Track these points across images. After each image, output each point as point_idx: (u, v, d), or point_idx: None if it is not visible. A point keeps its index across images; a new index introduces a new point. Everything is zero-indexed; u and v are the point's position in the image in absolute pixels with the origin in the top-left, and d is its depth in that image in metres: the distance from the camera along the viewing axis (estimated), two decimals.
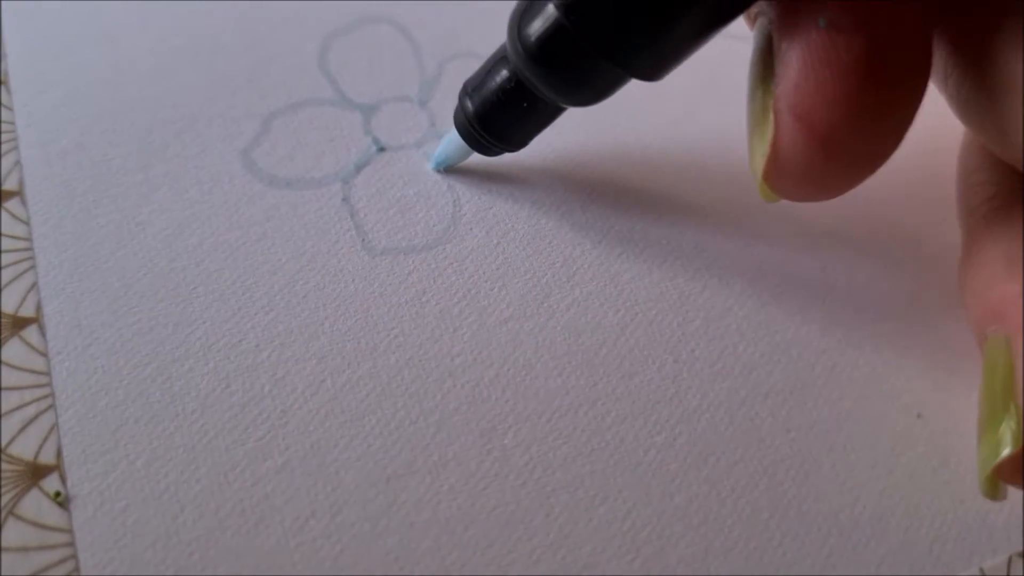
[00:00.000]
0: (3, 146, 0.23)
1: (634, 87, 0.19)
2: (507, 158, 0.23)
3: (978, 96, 0.17)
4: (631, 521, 0.20)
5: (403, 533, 0.19)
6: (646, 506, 0.20)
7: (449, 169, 0.24)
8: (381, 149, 0.24)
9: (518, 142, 0.22)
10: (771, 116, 0.17)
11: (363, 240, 0.23)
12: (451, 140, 0.23)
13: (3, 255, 0.22)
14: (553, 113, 0.21)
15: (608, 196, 0.24)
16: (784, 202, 0.19)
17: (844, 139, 0.16)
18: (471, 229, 0.23)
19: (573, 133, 0.25)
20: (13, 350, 0.21)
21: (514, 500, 0.20)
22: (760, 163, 0.18)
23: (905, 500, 0.21)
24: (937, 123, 0.20)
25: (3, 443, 0.19)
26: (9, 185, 0.23)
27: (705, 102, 0.26)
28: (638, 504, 0.20)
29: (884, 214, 0.25)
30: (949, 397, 0.22)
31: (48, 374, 0.20)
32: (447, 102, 0.25)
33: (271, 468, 0.20)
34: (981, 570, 0.20)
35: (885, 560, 0.20)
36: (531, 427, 0.21)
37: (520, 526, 0.20)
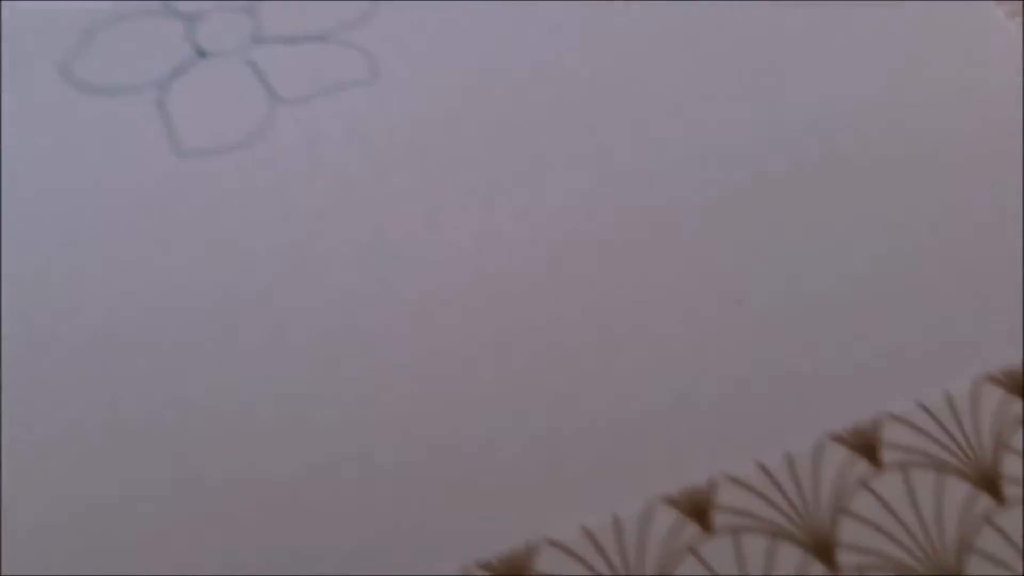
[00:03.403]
0: None
1: None
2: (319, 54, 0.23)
3: None
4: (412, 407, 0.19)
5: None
6: (434, 396, 0.19)
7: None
8: (202, 55, 0.24)
9: None
10: None
11: (173, 142, 0.22)
12: None
13: None
14: None
15: (419, 91, 0.23)
16: None
17: None
18: (284, 129, 0.23)
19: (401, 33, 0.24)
20: None
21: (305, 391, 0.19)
22: None
23: (713, 384, 0.19)
24: None
25: None
26: None
27: None
28: (422, 395, 0.19)
29: None
30: (771, 285, 0.21)
31: None
32: (274, 7, 0.24)
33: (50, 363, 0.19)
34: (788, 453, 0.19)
35: (676, 455, 0.19)
36: (328, 316, 0.20)
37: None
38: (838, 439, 0.19)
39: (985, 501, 0.18)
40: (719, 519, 0.18)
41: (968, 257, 0.21)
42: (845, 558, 0.17)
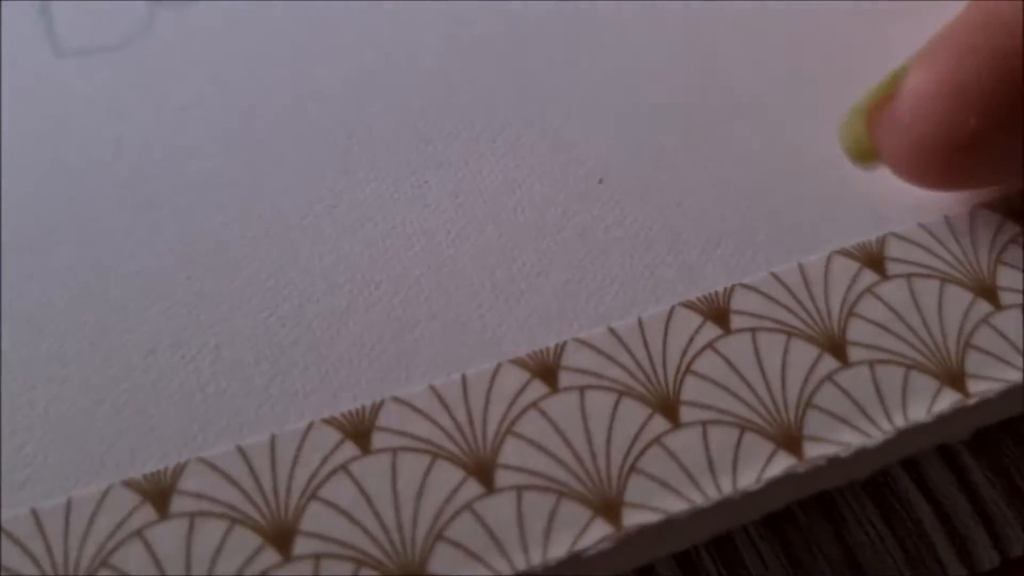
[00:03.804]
0: None
1: None
2: None
3: None
4: (274, 281, 0.19)
5: (42, 294, 0.19)
6: (292, 267, 0.20)
7: None
8: None
9: None
10: None
11: (53, 44, 0.23)
12: None
13: None
14: None
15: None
16: None
17: None
18: (164, 30, 0.23)
19: None
20: None
21: (158, 265, 0.20)
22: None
23: (568, 257, 0.20)
24: None
25: None
26: None
27: None
28: (284, 266, 0.20)
29: None
30: (632, 164, 0.21)
31: None
32: None
33: None
34: (640, 319, 0.19)
35: (534, 313, 0.19)
36: (189, 201, 0.21)
37: (160, 287, 0.19)
38: (689, 306, 0.19)
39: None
40: (565, 379, 0.18)
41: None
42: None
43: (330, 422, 0.17)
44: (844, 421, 0.17)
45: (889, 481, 0.19)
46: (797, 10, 0.24)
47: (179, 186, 0.21)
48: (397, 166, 0.21)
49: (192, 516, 0.16)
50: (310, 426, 0.17)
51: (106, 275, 0.19)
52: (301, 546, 0.16)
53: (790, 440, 0.17)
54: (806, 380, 0.18)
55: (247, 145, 0.21)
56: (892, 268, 0.20)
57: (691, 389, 0.18)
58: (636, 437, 0.17)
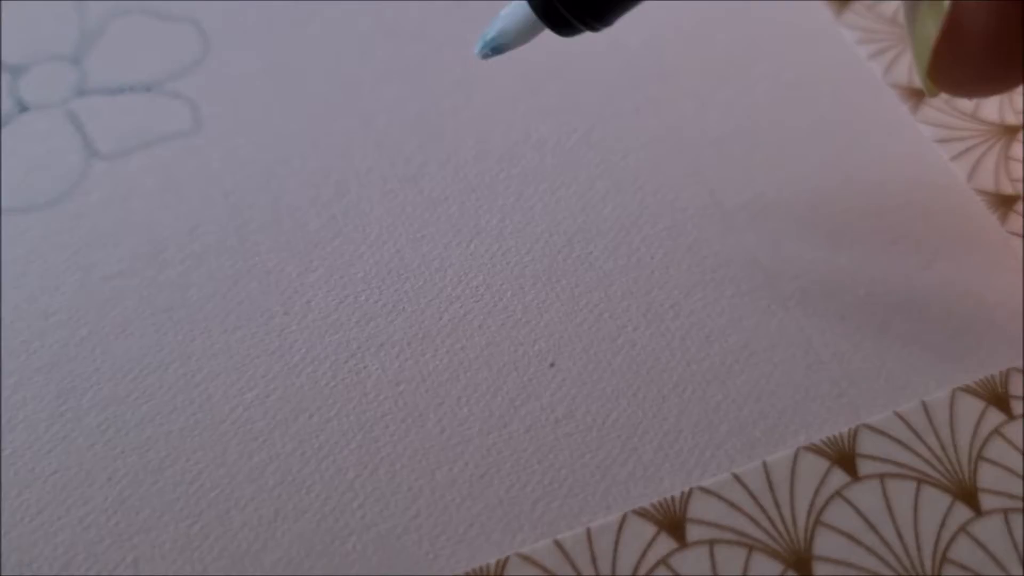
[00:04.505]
0: None
1: None
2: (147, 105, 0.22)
3: None
4: (199, 484, 0.18)
5: None
6: (219, 467, 0.18)
7: (497, 47, 0.18)
8: (24, 109, 0.23)
9: (604, 16, 0.17)
10: None
11: None
12: (515, 13, 0.18)
13: None
14: None
15: (242, 150, 0.22)
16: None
17: None
18: (98, 185, 0.22)
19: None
20: None
21: (77, 463, 0.18)
22: (926, 50, 0.16)
23: (515, 456, 0.18)
24: None
25: None
26: None
27: None
28: (210, 465, 0.18)
29: None
30: (587, 345, 0.20)
31: None
32: (104, 58, 0.24)
33: None
34: (588, 530, 0.18)
35: (475, 523, 0.18)
36: (114, 386, 0.19)
37: (77, 491, 0.18)
38: (641, 513, 0.18)
39: None
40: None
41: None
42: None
43: None
44: None
45: None
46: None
47: (103, 370, 0.19)
48: (336, 347, 0.20)
49: None
50: None
51: (20, 475, 0.18)
52: None
53: None
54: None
55: (177, 321, 0.20)
56: (864, 467, 0.18)
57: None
58: None
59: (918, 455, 0.18)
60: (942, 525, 0.17)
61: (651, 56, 0.24)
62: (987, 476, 0.18)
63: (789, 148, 0.22)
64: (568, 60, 0.23)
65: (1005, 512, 0.17)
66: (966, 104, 0.23)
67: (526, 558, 0.17)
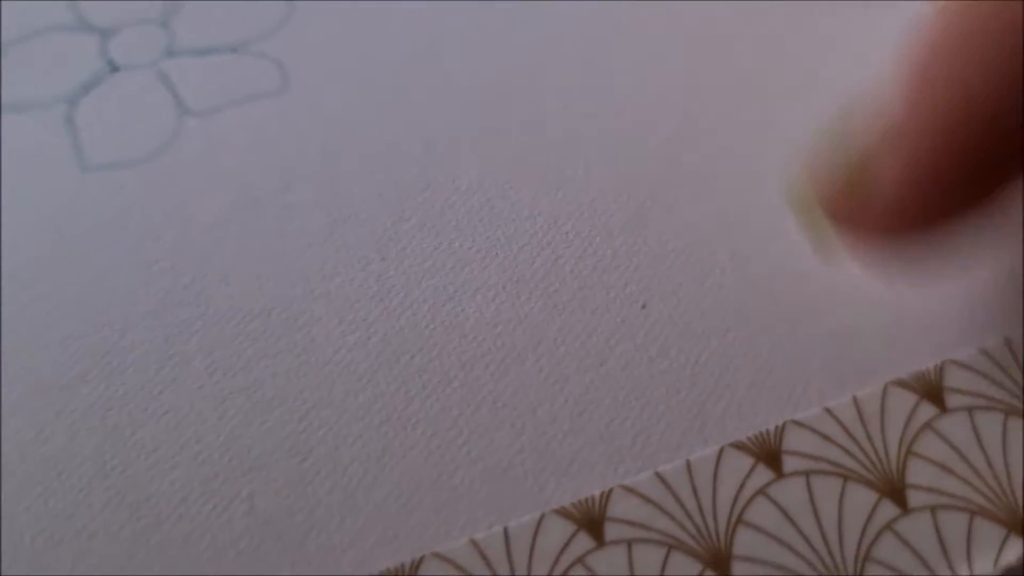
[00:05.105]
0: None
1: None
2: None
3: None
4: (308, 422, 0.19)
5: (69, 439, 0.18)
6: (326, 407, 0.19)
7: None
8: (114, 68, 0.24)
9: None
10: None
11: (79, 158, 0.22)
12: None
13: None
14: None
15: (330, 108, 0.23)
16: None
17: None
18: (191, 142, 0.22)
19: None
20: None
21: (188, 404, 0.19)
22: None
23: (613, 393, 0.19)
24: None
25: None
26: None
27: None
28: (317, 405, 0.19)
29: None
30: (676, 287, 0.20)
31: None
32: (189, 19, 0.24)
33: None
34: (688, 462, 0.18)
35: (577, 457, 0.18)
36: (219, 331, 0.20)
37: (190, 429, 0.19)
38: (740, 447, 0.18)
39: None
40: (611, 531, 0.17)
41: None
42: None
43: None
44: None
45: None
46: None
47: (208, 316, 0.20)
48: (433, 291, 0.20)
49: None
50: None
51: (133, 415, 0.19)
52: None
53: None
54: (864, 531, 0.17)
55: (277, 270, 0.20)
56: (952, 400, 0.19)
57: (743, 543, 0.17)
58: None
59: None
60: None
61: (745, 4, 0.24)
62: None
63: None
64: (642, 20, 0.24)
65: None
66: None
67: (629, 490, 0.18)
